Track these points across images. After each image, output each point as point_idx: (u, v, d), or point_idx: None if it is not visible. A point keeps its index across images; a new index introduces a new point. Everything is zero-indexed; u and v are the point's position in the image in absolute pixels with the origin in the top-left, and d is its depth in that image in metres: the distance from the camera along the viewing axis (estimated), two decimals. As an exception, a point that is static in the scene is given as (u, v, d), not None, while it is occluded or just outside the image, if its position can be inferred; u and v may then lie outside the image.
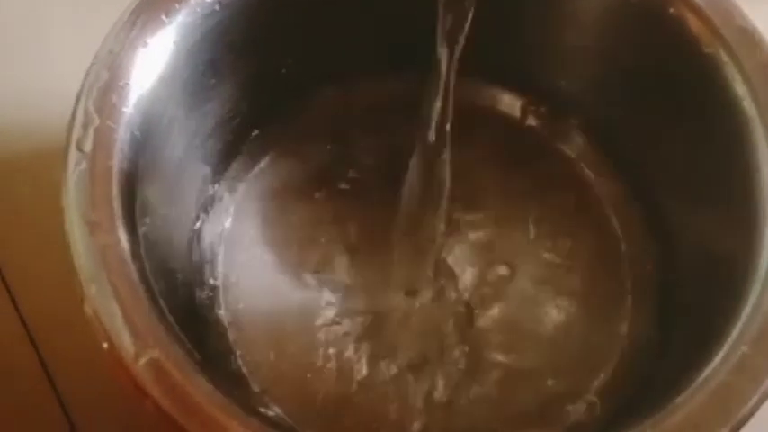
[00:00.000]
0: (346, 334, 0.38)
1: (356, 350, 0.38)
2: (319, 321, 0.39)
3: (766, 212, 0.32)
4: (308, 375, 0.38)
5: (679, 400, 0.28)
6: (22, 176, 0.43)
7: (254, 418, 0.28)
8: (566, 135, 0.43)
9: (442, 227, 0.39)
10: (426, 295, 0.39)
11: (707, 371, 0.29)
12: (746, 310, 0.30)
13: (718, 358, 0.29)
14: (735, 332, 0.30)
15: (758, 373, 0.28)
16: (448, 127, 0.36)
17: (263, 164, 0.41)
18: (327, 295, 0.39)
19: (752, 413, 0.28)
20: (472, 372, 0.38)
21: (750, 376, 0.28)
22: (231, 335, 0.38)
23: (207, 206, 0.40)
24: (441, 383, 0.38)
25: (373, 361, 0.38)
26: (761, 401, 0.28)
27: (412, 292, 0.39)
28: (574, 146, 0.43)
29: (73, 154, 0.30)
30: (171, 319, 0.29)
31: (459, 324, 0.39)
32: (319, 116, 0.42)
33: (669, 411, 0.28)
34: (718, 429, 0.28)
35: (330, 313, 0.39)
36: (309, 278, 0.39)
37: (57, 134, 0.32)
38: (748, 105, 0.34)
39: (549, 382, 0.38)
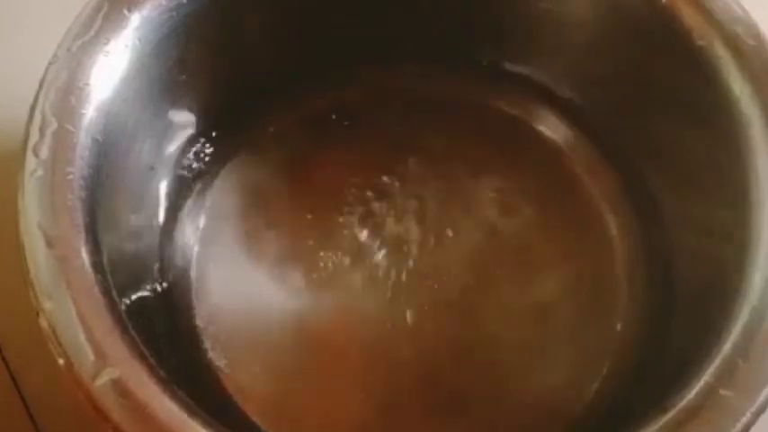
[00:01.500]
0: (327, 332, 0.38)
1: (339, 350, 0.37)
2: (299, 319, 0.38)
3: (763, 214, 0.31)
4: (284, 377, 0.37)
5: (671, 415, 0.28)
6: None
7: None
8: (559, 129, 0.42)
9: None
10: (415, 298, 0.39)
11: (700, 385, 0.28)
12: (741, 321, 0.29)
13: (711, 370, 0.28)
14: (728, 344, 0.29)
15: (753, 388, 0.28)
16: None
17: (238, 161, 0.41)
18: (307, 292, 0.38)
19: (746, 429, 0.27)
20: (453, 374, 0.37)
21: (744, 391, 0.28)
22: (207, 340, 0.37)
23: (178, 208, 0.39)
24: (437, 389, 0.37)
25: (353, 362, 0.37)
26: (755, 417, 0.27)
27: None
28: (567, 140, 0.42)
29: (30, 160, 0.29)
30: (138, 332, 0.28)
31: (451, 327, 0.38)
32: (296, 111, 0.42)
33: (659, 428, 0.27)
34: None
35: (310, 311, 0.38)
36: (288, 275, 0.39)
37: (16, 136, 0.31)
38: (744, 100, 0.33)
39: (537, 384, 0.37)
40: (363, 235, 0.40)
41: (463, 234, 0.40)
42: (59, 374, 0.28)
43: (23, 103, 0.31)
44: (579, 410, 0.36)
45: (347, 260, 0.39)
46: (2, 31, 0.45)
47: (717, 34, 0.33)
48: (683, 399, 0.28)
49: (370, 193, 0.40)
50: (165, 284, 0.37)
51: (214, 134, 0.39)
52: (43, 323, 0.27)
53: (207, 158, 0.40)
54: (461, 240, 0.40)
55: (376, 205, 0.40)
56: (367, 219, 0.40)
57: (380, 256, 0.39)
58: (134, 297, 0.33)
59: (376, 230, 0.40)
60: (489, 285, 0.39)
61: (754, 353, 0.28)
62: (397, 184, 0.40)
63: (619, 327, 0.38)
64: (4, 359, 0.39)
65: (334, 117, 0.42)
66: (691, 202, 0.37)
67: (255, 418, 0.36)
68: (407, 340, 0.38)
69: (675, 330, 0.36)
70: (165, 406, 0.27)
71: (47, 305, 0.27)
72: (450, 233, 0.40)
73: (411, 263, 0.39)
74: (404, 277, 0.39)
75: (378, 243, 0.39)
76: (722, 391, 0.28)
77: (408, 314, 0.38)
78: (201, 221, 0.39)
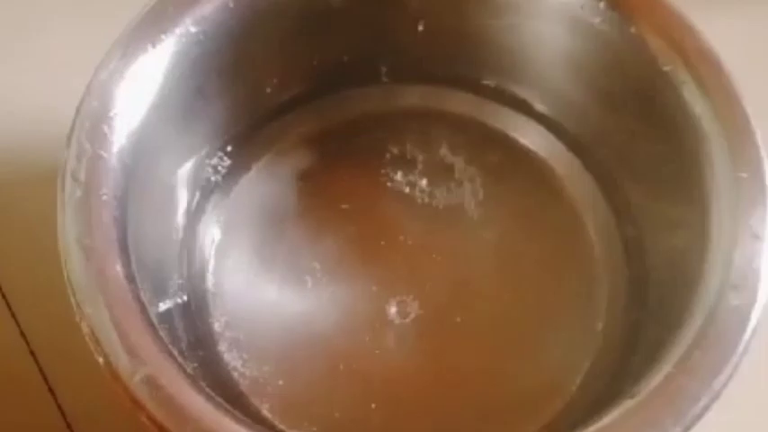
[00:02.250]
0: (336, 335, 0.39)
1: (347, 352, 0.39)
2: (309, 323, 0.40)
3: (720, 221, 0.34)
4: (296, 377, 0.39)
5: (636, 401, 0.30)
6: (21, 193, 0.44)
7: (244, 428, 0.30)
8: (543, 143, 0.44)
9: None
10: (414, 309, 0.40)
11: (662, 373, 0.30)
12: (700, 316, 0.31)
13: (672, 360, 0.31)
14: (687, 336, 0.31)
15: (708, 376, 0.30)
16: None
17: (250, 177, 0.43)
18: (317, 299, 0.40)
19: (703, 412, 0.30)
20: (447, 372, 0.39)
21: (701, 378, 0.30)
22: (223, 343, 0.39)
23: (196, 221, 0.41)
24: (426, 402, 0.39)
25: (362, 363, 0.39)
26: (711, 401, 0.30)
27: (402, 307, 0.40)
28: (550, 152, 0.44)
29: (68, 183, 0.32)
30: (163, 335, 0.31)
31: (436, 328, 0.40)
32: (305, 131, 0.44)
33: (625, 412, 0.30)
34: (671, 429, 0.29)
35: (320, 316, 0.40)
36: (299, 284, 0.40)
37: (53, 154, 0.34)
38: (704, 119, 0.35)
39: (524, 381, 0.39)
40: (370, 243, 0.41)
41: (447, 241, 0.41)
42: (94, 379, 0.30)
43: (58, 125, 0.34)
44: (562, 406, 0.38)
45: (356, 268, 0.41)
46: (41, 63, 0.48)
47: (680, 60, 0.35)
48: (647, 386, 0.30)
49: (370, 204, 0.42)
50: (185, 292, 0.39)
51: (229, 154, 0.42)
52: (85, 327, 0.30)
53: (223, 173, 0.41)
54: (446, 247, 0.41)
55: (377, 215, 0.42)
56: (370, 227, 0.42)
57: (382, 249, 0.41)
58: (158, 304, 0.35)
59: (380, 237, 0.41)
60: (474, 290, 0.40)
61: (710, 344, 0.30)
62: (396, 194, 0.42)
63: (600, 326, 0.40)
64: (41, 369, 0.41)
65: (342, 134, 0.44)
66: (661, 208, 0.39)
67: (267, 414, 0.38)
68: (402, 341, 0.39)
69: (650, 327, 0.37)
70: (191, 398, 0.29)
71: (87, 311, 0.30)
72: (435, 241, 0.41)
73: (407, 263, 0.41)
74: (400, 281, 0.40)
75: (382, 244, 0.41)
76: (681, 379, 0.30)
77: (406, 315, 0.40)
78: (218, 234, 0.41)
